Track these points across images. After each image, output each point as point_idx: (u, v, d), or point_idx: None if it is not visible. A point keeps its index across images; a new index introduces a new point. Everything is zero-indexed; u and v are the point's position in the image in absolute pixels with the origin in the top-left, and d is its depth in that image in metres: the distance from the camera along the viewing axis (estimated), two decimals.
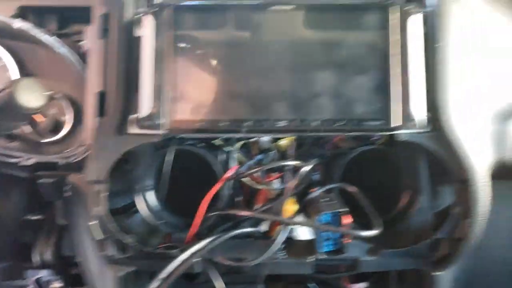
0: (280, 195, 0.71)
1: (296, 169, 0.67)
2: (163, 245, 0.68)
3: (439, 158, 0.61)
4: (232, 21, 0.58)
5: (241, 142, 0.75)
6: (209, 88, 0.58)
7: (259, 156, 0.75)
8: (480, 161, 0.60)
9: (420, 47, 0.59)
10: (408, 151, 0.72)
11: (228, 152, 0.73)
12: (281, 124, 0.57)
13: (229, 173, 0.69)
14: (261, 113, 0.57)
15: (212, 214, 0.67)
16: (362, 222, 0.63)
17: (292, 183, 0.65)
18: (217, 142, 0.76)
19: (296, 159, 0.68)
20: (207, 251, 0.62)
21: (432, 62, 0.60)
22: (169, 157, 0.67)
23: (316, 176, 0.78)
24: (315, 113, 0.57)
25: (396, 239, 0.72)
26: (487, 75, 0.63)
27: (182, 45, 0.58)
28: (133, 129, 0.60)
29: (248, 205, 0.79)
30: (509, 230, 0.78)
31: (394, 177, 0.73)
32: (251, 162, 0.73)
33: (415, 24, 0.59)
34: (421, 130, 0.60)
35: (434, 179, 0.77)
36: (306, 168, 0.65)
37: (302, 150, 0.75)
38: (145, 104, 0.58)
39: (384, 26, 0.58)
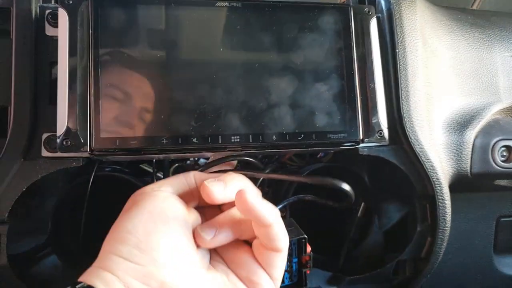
0: None
1: None
2: None
3: (402, 173, 0.56)
4: (171, 18, 0.48)
5: (175, 166, 0.65)
6: (144, 98, 0.46)
7: None
8: (441, 175, 0.56)
9: (378, 53, 0.55)
10: (357, 167, 0.67)
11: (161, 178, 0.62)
12: (233, 140, 0.48)
13: None
14: (208, 128, 0.47)
15: None
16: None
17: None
18: (145, 166, 0.65)
19: None
20: None
21: (390, 70, 0.56)
22: (88, 185, 0.55)
23: None
24: (271, 127, 0.49)
25: (352, 263, 0.66)
26: (439, 83, 0.60)
27: (107, 47, 0.46)
28: (46, 152, 0.48)
29: None
30: (457, 245, 0.76)
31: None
32: None
33: (374, 28, 0.54)
34: (383, 143, 0.55)
35: (379, 195, 0.73)
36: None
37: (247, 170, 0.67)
38: (61, 120, 0.45)
39: (345, 29, 0.52)
